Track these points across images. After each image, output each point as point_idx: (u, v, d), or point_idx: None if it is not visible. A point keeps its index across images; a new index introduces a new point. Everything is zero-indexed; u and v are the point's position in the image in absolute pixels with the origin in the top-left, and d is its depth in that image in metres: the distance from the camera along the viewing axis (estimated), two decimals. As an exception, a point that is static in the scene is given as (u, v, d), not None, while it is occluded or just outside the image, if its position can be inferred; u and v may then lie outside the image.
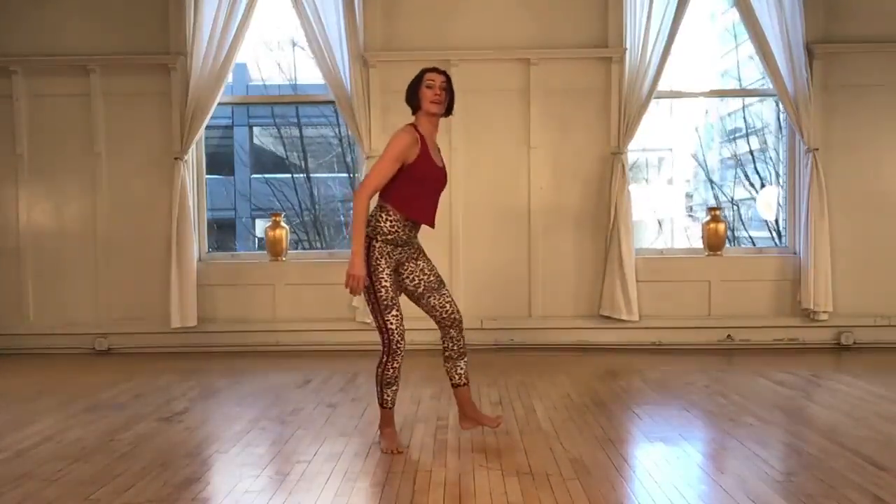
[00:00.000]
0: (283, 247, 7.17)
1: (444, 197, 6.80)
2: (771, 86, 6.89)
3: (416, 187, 3.85)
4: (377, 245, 3.80)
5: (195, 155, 7.12)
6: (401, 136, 3.80)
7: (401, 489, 3.36)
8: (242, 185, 15.53)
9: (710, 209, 7.29)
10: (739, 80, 13.06)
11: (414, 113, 3.94)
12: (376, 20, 6.88)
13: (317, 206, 13.21)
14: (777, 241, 10.19)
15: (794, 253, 7.02)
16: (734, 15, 8.00)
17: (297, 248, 11.39)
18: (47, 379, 5.87)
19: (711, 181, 13.48)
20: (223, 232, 14.56)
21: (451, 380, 4.10)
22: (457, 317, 4.03)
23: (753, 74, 11.45)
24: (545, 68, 6.91)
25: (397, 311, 3.84)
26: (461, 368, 4.08)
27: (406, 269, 3.95)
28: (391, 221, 3.82)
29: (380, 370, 3.91)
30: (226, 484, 3.52)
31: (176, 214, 6.80)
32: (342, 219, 13.46)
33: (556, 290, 6.96)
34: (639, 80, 6.77)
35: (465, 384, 4.09)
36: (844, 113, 6.88)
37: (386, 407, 3.97)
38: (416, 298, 4.00)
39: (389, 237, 3.82)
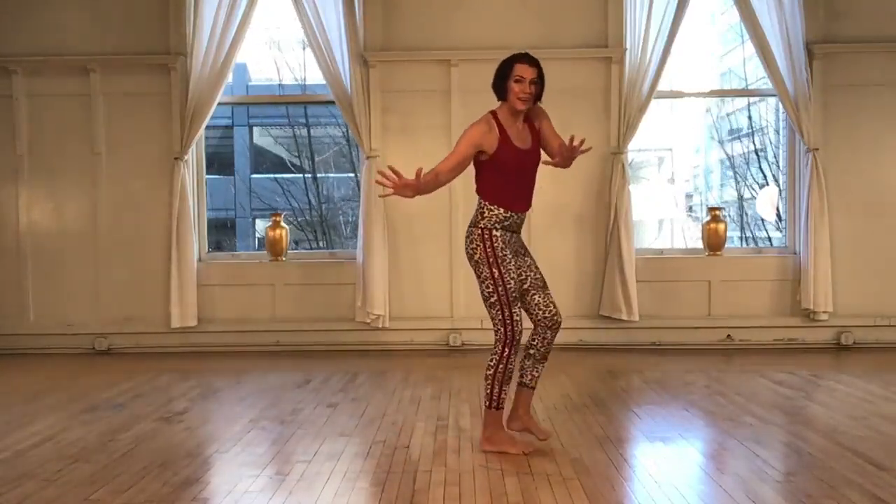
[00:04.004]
0: (283, 247, 7.16)
1: (444, 197, 6.88)
2: (771, 86, 6.89)
3: (501, 177, 3.75)
4: (498, 234, 3.73)
5: (195, 155, 7.12)
6: (471, 131, 3.72)
7: (401, 489, 3.36)
8: (244, 184, 15.54)
9: (711, 209, 7.29)
10: (745, 78, 13.06)
11: (499, 100, 3.80)
12: (376, 20, 6.88)
13: (323, 206, 13.23)
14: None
15: (794, 253, 7.02)
16: (735, 14, 7.98)
17: (304, 248, 11.41)
18: (47, 379, 5.87)
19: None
20: (223, 232, 14.58)
21: (521, 377, 3.94)
22: (558, 319, 3.91)
23: (758, 73, 11.46)
24: (545, 68, 6.82)
25: (518, 304, 3.78)
26: (537, 371, 3.93)
27: (525, 263, 3.88)
28: (497, 210, 3.76)
29: (501, 366, 3.73)
30: (226, 484, 3.53)
31: (176, 214, 6.80)
32: (341, 218, 13.46)
33: (556, 290, 6.82)
34: (639, 80, 6.77)
35: (532, 388, 3.95)
36: (844, 113, 6.88)
37: (500, 407, 3.79)
38: (521, 294, 3.85)
39: (506, 223, 3.76)
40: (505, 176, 3.77)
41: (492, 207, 3.78)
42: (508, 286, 3.73)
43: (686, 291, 7.00)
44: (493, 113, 3.81)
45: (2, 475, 3.59)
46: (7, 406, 4.99)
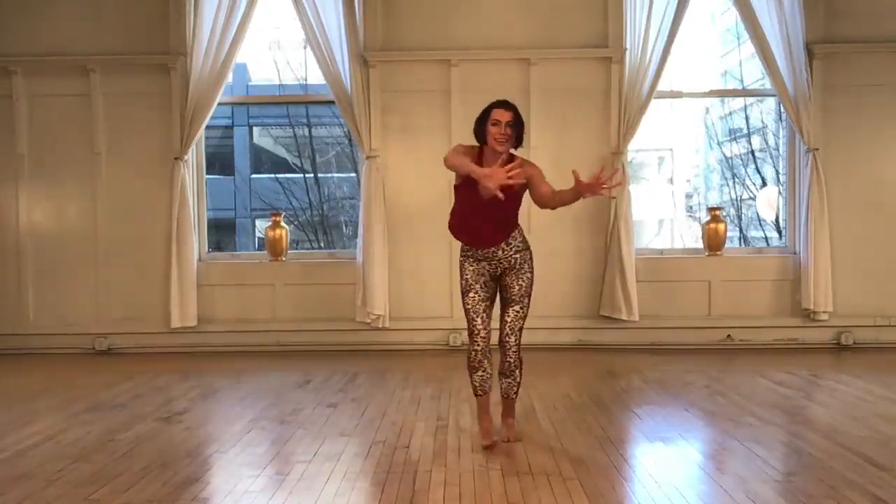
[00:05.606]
0: (283, 247, 7.16)
1: (445, 197, 6.79)
2: (771, 86, 6.89)
3: (459, 208, 4.00)
4: (461, 259, 4.06)
5: (195, 155, 7.12)
6: (465, 145, 3.94)
7: (401, 489, 3.36)
8: (244, 184, 15.53)
9: (711, 209, 7.29)
10: (741, 79, 13.08)
11: (480, 143, 3.97)
12: (376, 20, 6.88)
13: (324, 206, 13.21)
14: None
15: (794, 253, 7.02)
16: (734, 15, 7.99)
17: (305, 248, 11.40)
18: (47, 379, 5.87)
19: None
20: (223, 232, 14.56)
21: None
22: (501, 337, 4.01)
23: (756, 74, 11.46)
24: (545, 68, 6.91)
25: (475, 293, 3.98)
26: (501, 384, 4.09)
27: (503, 282, 4.03)
28: (461, 242, 4.05)
29: (467, 360, 4.05)
30: (226, 484, 3.53)
31: (176, 214, 6.80)
32: (343, 218, 13.45)
33: (556, 290, 6.95)
34: (639, 80, 6.77)
35: (503, 397, 4.11)
36: (844, 113, 6.88)
37: (476, 395, 4.07)
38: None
39: (468, 252, 4.02)
40: (462, 209, 3.98)
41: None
42: (460, 282, 4.03)
43: (686, 291, 7.00)
44: (480, 147, 3.98)
45: (2, 475, 3.59)
46: (7, 406, 4.99)
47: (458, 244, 4.09)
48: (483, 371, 4.02)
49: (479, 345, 3.99)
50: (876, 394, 5.05)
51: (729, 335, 6.93)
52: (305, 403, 4.95)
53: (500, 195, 3.65)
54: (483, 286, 4.00)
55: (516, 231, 4.01)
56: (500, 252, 3.96)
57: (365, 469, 3.68)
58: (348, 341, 6.90)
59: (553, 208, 3.93)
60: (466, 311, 4.01)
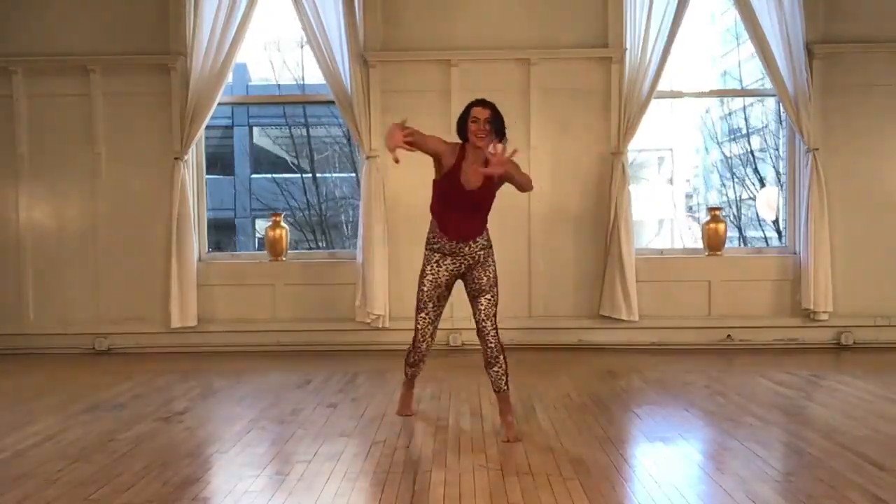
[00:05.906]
0: (283, 247, 7.17)
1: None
2: (771, 86, 6.89)
3: (440, 200, 4.23)
4: (426, 252, 4.26)
5: (195, 155, 7.12)
6: (448, 142, 4.15)
7: (401, 489, 3.36)
8: (244, 184, 15.54)
9: (711, 209, 7.29)
10: (741, 79, 13.09)
11: (463, 140, 4.17)
12: (376, 20, 6.88)
13: (323, 206, 13.23)
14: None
15: (794, 253, 7.02)
16: (734, 15, 7.99)
17: (304, 248, 11.40)
18: (47, 379, 5.87)
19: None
20: (223, 232, 14.57)
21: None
22: (478, 326, 4.20)
23: (755, 74, 11.47)
24: (545, 68, 6.91)
25: (426, 314, 4.25)
26: (491, 376, 4.23)
27: (468, 277, 4.23)
28: (432, 232, 4.24)
29: (408, 350, 4.42)
30: (226, 484, 3.53)
31: (176, 214, 6.80)
32: (343, 217, 13.46)
33: (556, 290, 6.95)
34: (639, 80, 6.77)
35: (497, 391, 4.24)
36: (844, 113, 6.88)
37: (405, 376, 4.56)
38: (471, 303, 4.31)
39: (435, 246, 4.21)
40: (440, 201, 4.22)
41: (431, 226, 4.26)
42: (418, 294, 4.24)
43: (686, 291, 7.00)
44: (462, 144, 4.17)
45: (2, 475, 3.59)
46: (7, 406, 5.00)
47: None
48: (418, 368, 4.47)
49: (416, 356, 4.36)
50: (876, 394, 5.05)
51: (729, 335, 6.93)
52: (305, 403, 4.95)
53: (395, 157, 3.80)
54: (436, 304, 4.25)
55: (485, 230, 4.25)
56: (466, 248, 4.18)
57: (365, 469, 3.68)
58: (348, 341, 6.91)
59: (529, 190, 4.25)
60: (416, 331, 4.28)
